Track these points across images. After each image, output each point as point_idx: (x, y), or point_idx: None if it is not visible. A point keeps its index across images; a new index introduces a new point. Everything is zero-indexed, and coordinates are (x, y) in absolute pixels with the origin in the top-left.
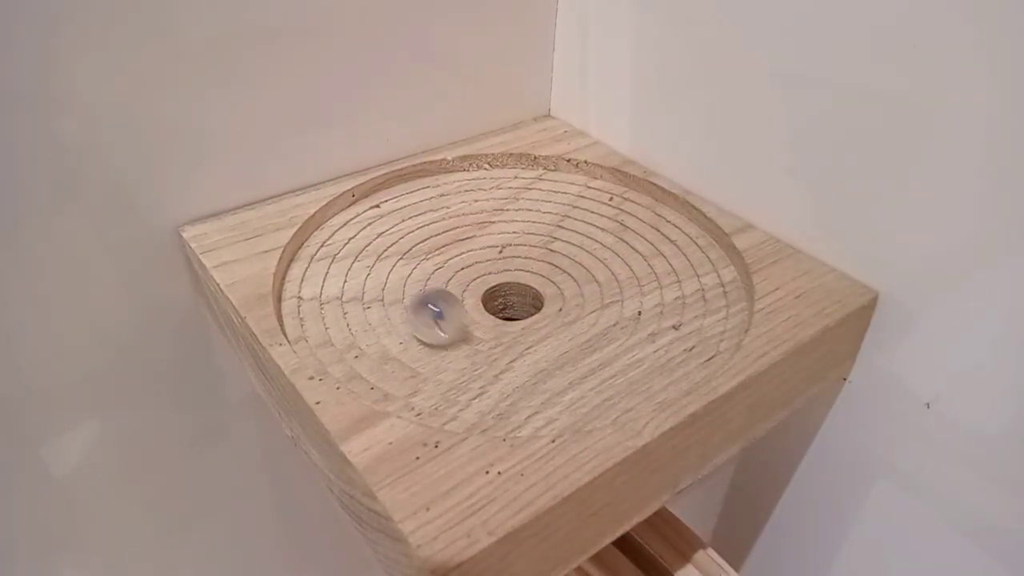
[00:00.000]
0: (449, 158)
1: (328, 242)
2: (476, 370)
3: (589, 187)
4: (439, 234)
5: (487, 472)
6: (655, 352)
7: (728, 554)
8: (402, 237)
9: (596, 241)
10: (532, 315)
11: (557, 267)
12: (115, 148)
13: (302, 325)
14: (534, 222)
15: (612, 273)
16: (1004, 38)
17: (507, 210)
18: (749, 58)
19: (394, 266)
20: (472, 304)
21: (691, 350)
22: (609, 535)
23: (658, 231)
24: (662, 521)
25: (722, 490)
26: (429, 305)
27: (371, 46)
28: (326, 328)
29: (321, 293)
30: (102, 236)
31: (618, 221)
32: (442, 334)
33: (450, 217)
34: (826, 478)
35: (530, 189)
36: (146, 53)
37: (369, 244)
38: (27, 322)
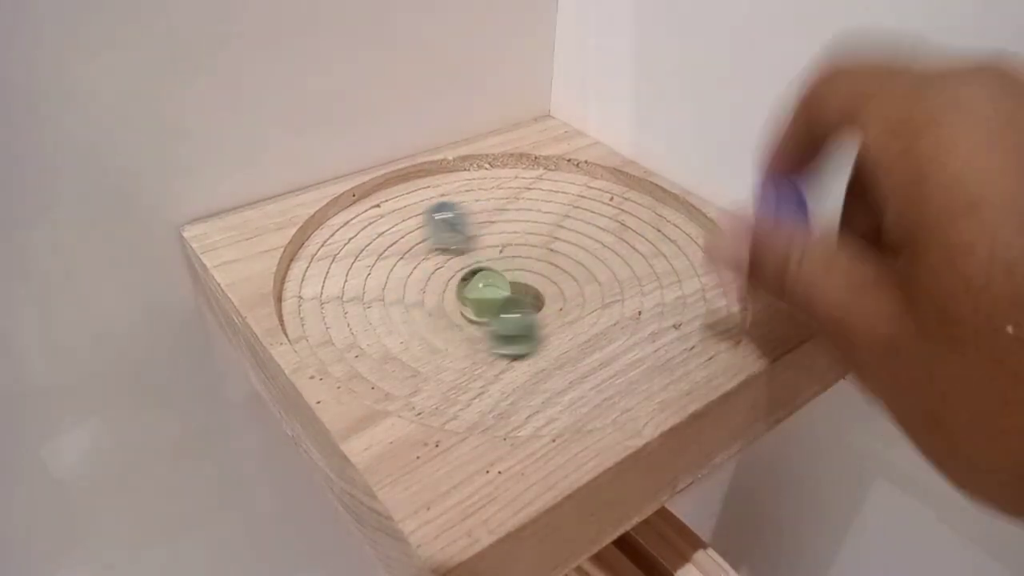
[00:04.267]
0: (450, 158)
1: (329, 241)
2: (476, 370)
3: (590, 187)
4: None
5: (487, 471)
6: (655, 352)
7: (728, 554)
8: (402, 237)
9: (597, 241)
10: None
11: (558, 267)
12: (115, 147)
13: (303, 324)
14: (534, 222)
15: (613, 273)
16: (1009, 42)
17: (507, 210)
18: (750, 58)
19: (394, 266)
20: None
21: (691, 350)
22: (609, 535)
23: (659, 231)
24: (662, 521)
25: (722, 490)
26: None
27: (371, 46)
28: (327, 327)
29: (322, 292)
30: (102, 236)
31: (619, 221)
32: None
33: None
34: (826, 478)
35: (530, 189)
36: (147, 52)
37: (370, 244)
38: (27, 322)
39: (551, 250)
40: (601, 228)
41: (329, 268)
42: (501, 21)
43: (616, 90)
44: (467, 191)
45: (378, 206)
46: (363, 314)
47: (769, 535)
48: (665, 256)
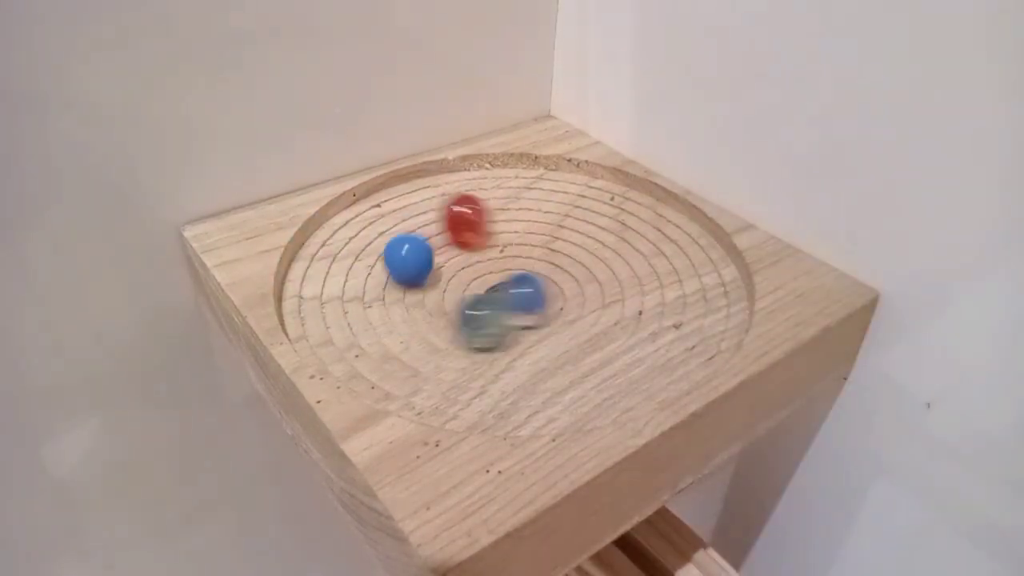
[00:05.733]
0: (450, 158)
1: (329, 241)
2: (476, 369)
3: (590, 187)
4: (440, 234)
5: (487, 471)
6: (656, 351)
7: (728, 554)
8: None
9: (597, 240)
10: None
11: (558, 266)
12: (116, 148)
13: (303, 324)
14: (535, 221)
15: (613, 272)
16: (1013, 44)
17: (508, 209)
18: (750, 59)
19: None
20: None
21: (692, 349)
22: (609, 534)
23: (659, 231)
24: (662, 520)
25: (722, 490)
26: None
27: (372, 46)
28: (327, 327)
29: (322, 292)
30: (103, 236)
31: (619, 221)
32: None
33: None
34: (826, 478)
35: (531, 189)
36: (147, 53)
37: (370, 244)
38: (27, 322)
39: (551, 250)
40: (601, 228)
41: (329, 268)
42: (502, 22)
43: (616, 90)
44: (468, 191)
45: (378, 206)
46: (363, 314)
47: (769, 535)
48: (665, 256)
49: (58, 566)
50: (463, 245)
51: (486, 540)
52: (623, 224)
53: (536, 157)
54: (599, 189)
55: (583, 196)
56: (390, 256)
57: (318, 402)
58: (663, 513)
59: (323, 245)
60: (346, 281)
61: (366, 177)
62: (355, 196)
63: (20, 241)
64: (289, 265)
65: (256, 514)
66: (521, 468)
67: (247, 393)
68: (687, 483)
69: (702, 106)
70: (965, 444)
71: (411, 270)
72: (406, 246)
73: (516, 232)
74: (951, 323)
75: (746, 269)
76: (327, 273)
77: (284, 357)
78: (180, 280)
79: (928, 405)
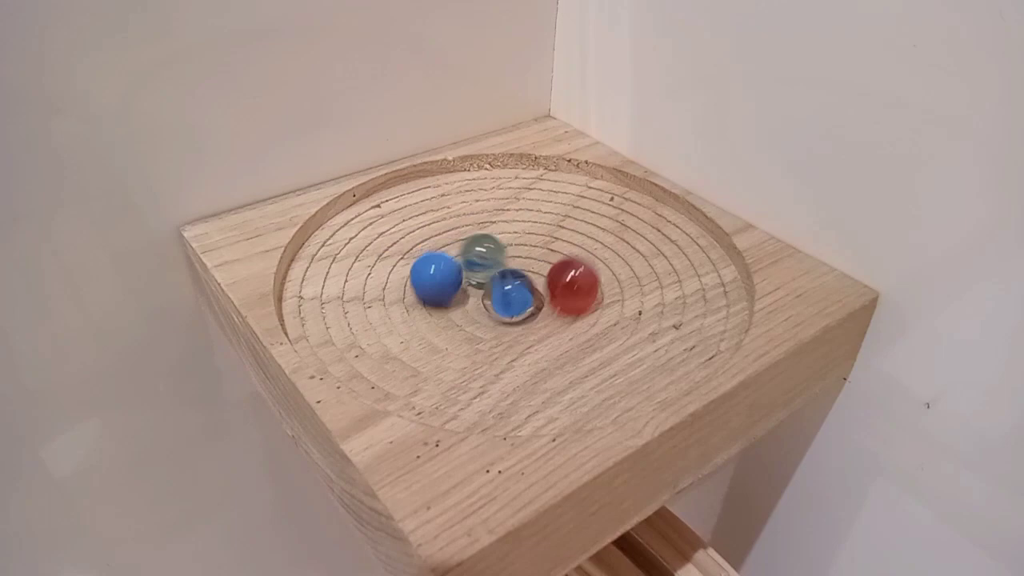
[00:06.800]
0: (450, 158)
1: (329, 242)
2: (477, 369)
3: (590, 187)
4: (440, 234)
5: (487, 471)
6: (655, 351)
7: (728, 554)
8: (403, 237)
9: (597, 241)
10: (533, 315)
11: None
12: (115, 148)
13: (303, 324)
14: (535, 222)
15: (613, 273)
16: (1010, 41)
17: (508, 210)
18: (749, 59)
19: (395, 266)
20: (473, 304)
21: (691, 350)
22: (609, 534)
23: (659, 231)
24: (662, 521)
25: (722, 490)
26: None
27: (372, 46)
28: (327, 327)
29: (322, 292)
30: (103, 236)
31: (619, 221)
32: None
33: (451, 217)
34: (826, 478)
35: (531, 189)
36: (146, 53)
37: (370, 244)
38: (28, 322)
39: (551, 250)
40: (601, 228)
41: (329, 268)
42: (501, 22)
43: (616, 90)
44: (467, 191)
45: (378, 206)
46: (363, 314)
47: (769, 535)
48: (665, 256)
49: (58, 566)
50: (572, 311)
51: (486, 540)
52: (623, 224)
53: (536, 157)
54: (599, 189)
55: (583, 196)
56: (419, 276)
57: (318, 402)
58: (663, 513)
59: (323, 245)
60: (346, 281)
61: (366, 177)
62: (355, 196)
63: (19, 241)
64: (289, 265)
65: (256, 514)
66: (521, 468)
67: (247, 393)
68: (687, 483)
69: (702, 106)
70: (965, 444)
71: (439, 289)
72: (433, 266)
73: (516, 232)
74: (951, 323)
75: (746, 269)
76: (327, 273)
77: (284, 357)
78: (180, 280)
79: (928, 405)
